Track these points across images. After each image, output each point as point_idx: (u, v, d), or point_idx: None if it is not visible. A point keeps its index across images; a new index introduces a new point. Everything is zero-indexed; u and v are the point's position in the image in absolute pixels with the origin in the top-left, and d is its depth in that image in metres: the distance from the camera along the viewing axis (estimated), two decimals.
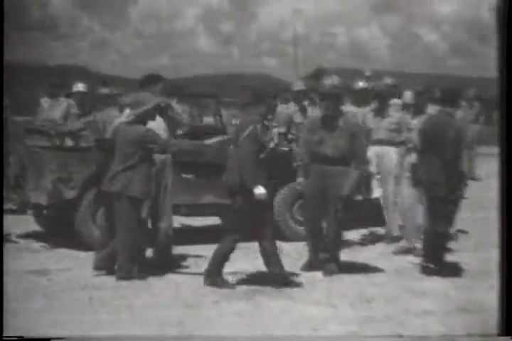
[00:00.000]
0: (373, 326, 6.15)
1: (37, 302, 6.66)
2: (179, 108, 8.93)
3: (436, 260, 8.00)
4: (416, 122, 9.18)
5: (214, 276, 7.39)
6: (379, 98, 9.77)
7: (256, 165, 7.24)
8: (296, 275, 7.79)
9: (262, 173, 7.27)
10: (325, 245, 8.03)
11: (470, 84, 18.48)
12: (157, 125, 8.06)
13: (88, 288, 7.29)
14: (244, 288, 7.37)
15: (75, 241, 9.12)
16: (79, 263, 8.41)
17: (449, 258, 8.25)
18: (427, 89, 9.80)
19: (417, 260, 8.34)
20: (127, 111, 8.03)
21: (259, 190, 7.18)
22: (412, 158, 8.93)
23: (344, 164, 7.97)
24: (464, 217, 9.13)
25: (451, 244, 8.58)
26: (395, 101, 10.06)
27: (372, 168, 9.18)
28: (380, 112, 9.69)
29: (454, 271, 8.07)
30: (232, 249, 7.43)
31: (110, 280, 7.58)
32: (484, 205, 12.60)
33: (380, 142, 9.70)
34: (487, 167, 17.51)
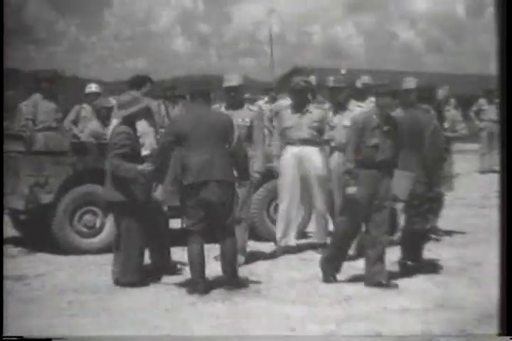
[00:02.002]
0: (351, 325, 6.16)
1: (14, 307, 6.62)
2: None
3: (415, 257, 8.01)
4: (337, 119, 8.86)
5: (232, 279, 7.37)
6: (295, 94, 9.16)
7: None
8: (251, 281, 7.65)
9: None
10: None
11: (446, 80, 18.52)
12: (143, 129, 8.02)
13: (66, 293, 7.26)
14: (221, 289, 7.36)
15: (53, 246, 9.09)
16: (57, 267, 8.40)
17: (428, 255, 8.27)
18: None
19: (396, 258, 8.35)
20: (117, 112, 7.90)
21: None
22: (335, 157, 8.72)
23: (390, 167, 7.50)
24: (440, 214, 9.17)
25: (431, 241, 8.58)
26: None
27: (294, 171, 8.91)
28: (299, 109, 9.08)
29: (432, 268, 8.09)
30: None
31: (88, 284, 7.57)
32: (461, 202, 12.75)
33: (300, 142, 9.02)
34: (464, 164, 17.70)
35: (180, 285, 7.48)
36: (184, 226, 7.50)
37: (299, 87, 9.06)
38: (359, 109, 8.83)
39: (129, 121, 7.59)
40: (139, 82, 8.32)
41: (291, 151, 9.00)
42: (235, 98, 8.63)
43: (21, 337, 5.79)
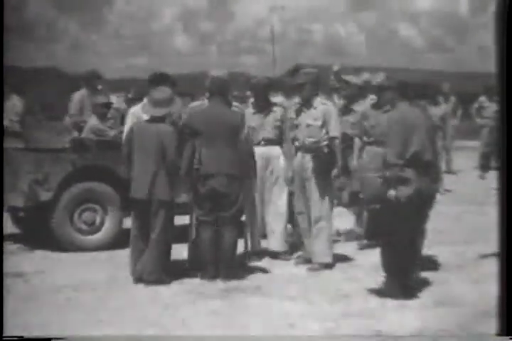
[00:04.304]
0: (350, 322, 6.15)
1: (13, 304, 6.61)
2: None
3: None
4: (301, 117, 8.27)
5: (229, 270, 7.58)
6: (257, 92, 8.86)
7: None
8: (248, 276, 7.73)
9: None
10: None
11: (447, 78, 18.54)
12: None
13: (65, 290, 7.25)
14: (219, 285, 7.38)
15: (52, 243, 9.09)
16: (56, 264, 8.41)
17: (427, 252, 8.25)
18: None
19: None
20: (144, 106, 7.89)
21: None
22: (298, 158, 8.24)
23: None
24: (440, 211, 9.12)
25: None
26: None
27: (262, 172, 8.54)
28: (261, 108, 8.75)
29: (430, 265, 8.07)
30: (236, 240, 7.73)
31: (87, 281, 7.56)
32: (461, 199, 12.74)
33: (266, 142, 8.70)
34: (463, 160, 17.67)
35: (179, 282, 7.49)
36: (195, 217, 7.79)
37: (261, 85, 8.80)
38: (323, 106, 8.30)
39: (161, 119, 7.67)
40: (157, 80, 8.25)
41: (258, 152, 8.38)
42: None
43: (22, 337, 5.78)
